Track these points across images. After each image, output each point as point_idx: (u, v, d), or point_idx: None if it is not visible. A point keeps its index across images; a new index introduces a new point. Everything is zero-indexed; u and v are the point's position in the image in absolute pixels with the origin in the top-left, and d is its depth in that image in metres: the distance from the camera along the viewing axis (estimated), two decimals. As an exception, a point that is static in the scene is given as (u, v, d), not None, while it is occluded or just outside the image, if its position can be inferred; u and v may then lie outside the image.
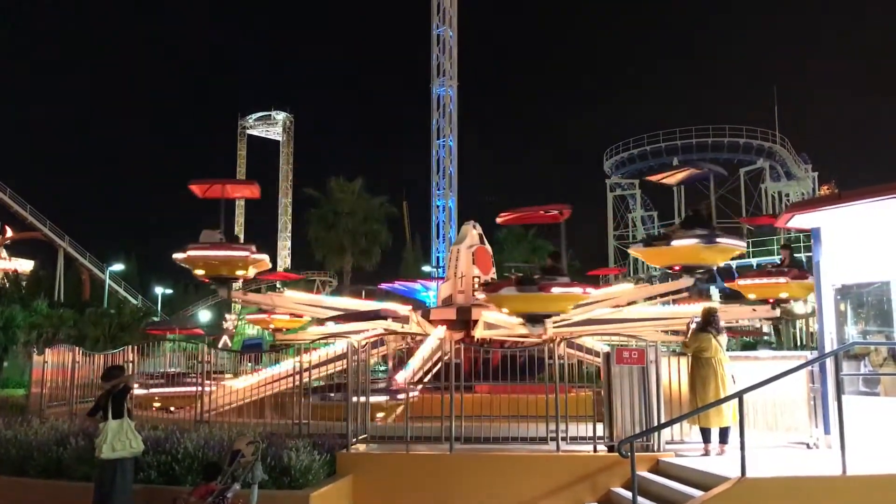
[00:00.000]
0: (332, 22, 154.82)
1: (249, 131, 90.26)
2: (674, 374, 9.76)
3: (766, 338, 29.56)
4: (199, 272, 13.45)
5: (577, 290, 12.51)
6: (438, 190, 48.07)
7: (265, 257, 13.66)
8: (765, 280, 14.50)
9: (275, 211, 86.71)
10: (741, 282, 14.96)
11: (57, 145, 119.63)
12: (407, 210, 48.83)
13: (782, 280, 13.99)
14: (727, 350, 9.71)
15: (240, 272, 13.44)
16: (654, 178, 17.97)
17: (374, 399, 10.77)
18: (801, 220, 9.91)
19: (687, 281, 13.38)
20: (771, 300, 14.60)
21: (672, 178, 15.52)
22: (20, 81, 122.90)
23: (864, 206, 8.70)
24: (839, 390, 7.75)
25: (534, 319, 12.78)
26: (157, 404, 13.46)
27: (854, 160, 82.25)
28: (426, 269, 47.95)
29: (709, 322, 9.61)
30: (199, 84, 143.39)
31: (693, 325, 10.00)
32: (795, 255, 15.96)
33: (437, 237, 48.01)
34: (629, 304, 15.69)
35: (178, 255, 13.14)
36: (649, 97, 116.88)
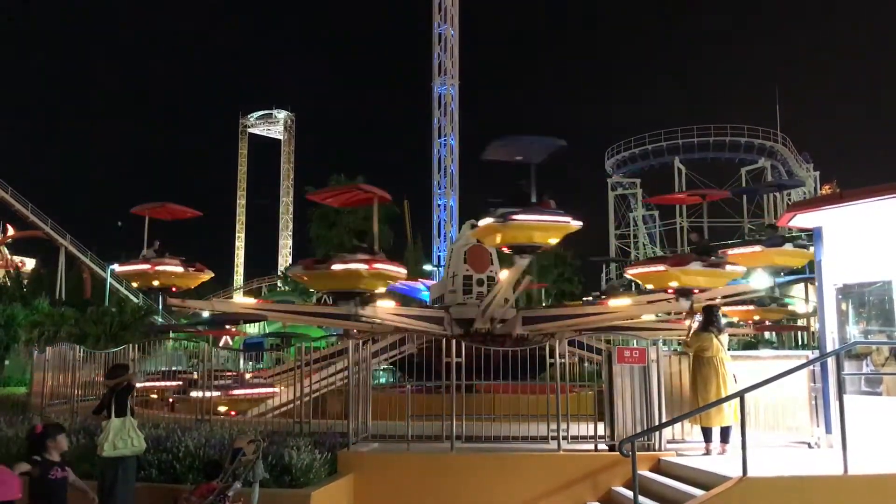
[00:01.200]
0: (333, 20, 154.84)
1: (251, 130, 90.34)
2: (675, 373, 9.76)
3: (767, 337, 29.56)
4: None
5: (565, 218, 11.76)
6: (440, 189, 48.04)
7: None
8: (647, 269, 13.59)
9: (276, 209, 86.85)
10: (630, 271, 14.26)
11: (58, 143, 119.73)
12: (408, 209, 48.73)
13: (661, 267, 13.08)
14: (728, 349, 9.71)
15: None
16: None
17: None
18: (802, 220, 9.90)
19: (683, 305, 13.21)
20: (670, 290, 13.57)
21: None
22: (20, 82, 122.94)
23: (866, 205, 8.70)
24: (841, 390, 7.74)
25: (521, 251, 12.30)
26: (223, 408, 13.04)
27: (855, 160, 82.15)
28: (427, 268, 47.91)
29: (710, 321, 9.62)
30: (200, 82, 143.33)
31: (694, 325, 10.00)
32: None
33: (439, 236, 47.99)
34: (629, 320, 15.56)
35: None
36: (651, 96, 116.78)
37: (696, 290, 13.03)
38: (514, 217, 11.40)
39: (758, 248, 14.96)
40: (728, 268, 12.93)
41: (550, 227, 11.64)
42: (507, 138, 12.55)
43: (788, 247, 14.61)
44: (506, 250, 12.73)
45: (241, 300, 18.60)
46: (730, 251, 14.63)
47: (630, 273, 14.17)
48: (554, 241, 11.98)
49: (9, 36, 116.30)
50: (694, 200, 15.39)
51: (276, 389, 13.83)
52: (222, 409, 12.97)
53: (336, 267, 12.81)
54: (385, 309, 14.48)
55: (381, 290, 14.25)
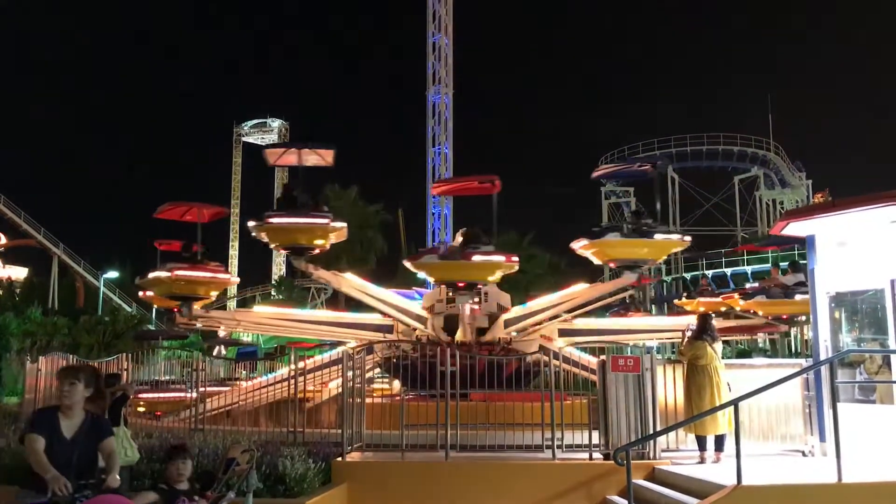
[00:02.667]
0: (327, 29, 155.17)
1: (245, 138, 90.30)
2: (669, 381, 9.76)
3: (760, 345, 29.64)
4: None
5: (499, 258, 12.91)
6: (434, 197, 48.09)
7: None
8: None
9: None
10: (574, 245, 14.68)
11: (52, 152, 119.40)
12: (402, 217, 48.81)
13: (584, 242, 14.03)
14: (722, 357, 9.72)
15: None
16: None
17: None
18: (795, 228, 9.95)
19: (629, 278, 13.63)
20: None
21: None
22: (17, 86, 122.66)
23: (858, 214, 8.74)
24: (834, 398, 7.76)
25: (459, 288, 13.36)
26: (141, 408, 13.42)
27: (848, 168, 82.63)
28: (422, 276, 47.96)
29: (704, 330, 9.63)
30: (194, 91, 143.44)
31: (689, 333, 10.02)
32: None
33: (433, 244, 48.01)
34: (585, 305, 15.77)
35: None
36: (645, 105, 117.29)
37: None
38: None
39: (584, 241, 14.24)
40: (658, 237, 13.74)
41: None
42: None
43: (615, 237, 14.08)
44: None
45: (265, 309, 18.47)
46: (574, 244, 14.57)
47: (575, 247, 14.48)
48: None
49: (5, 39, 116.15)
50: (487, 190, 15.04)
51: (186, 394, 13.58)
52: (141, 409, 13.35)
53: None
54: (354, 284, 15.02)
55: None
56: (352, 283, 15.49)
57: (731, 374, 9.55)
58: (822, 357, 9.06)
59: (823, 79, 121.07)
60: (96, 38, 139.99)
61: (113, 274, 54.43)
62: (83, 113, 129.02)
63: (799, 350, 27.39)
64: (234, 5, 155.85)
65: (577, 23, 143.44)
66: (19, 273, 49.62)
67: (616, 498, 8.63)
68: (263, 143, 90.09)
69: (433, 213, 48.23)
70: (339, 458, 9.39)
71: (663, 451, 9.36)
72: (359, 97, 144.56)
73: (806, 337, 20.81)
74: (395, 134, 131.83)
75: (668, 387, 9.72)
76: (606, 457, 9.08)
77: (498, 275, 13.61)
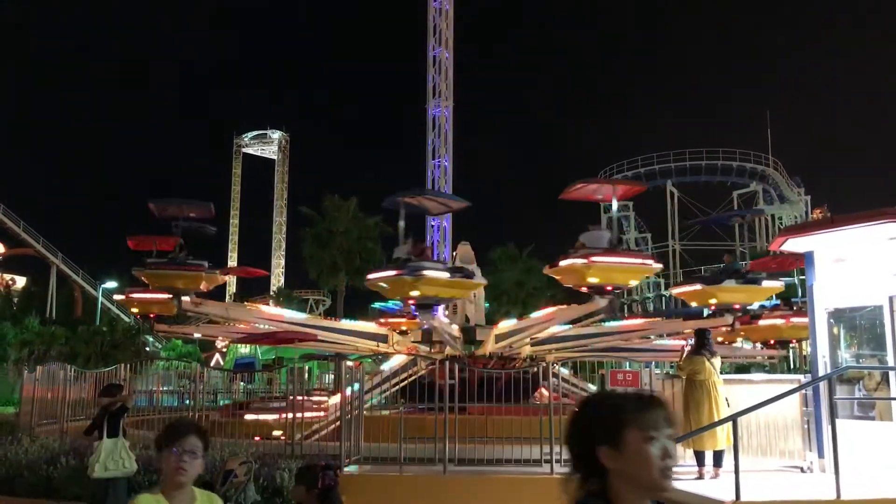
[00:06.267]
0: (328, 41, 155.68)
1: (245, 150, 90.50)
2: (667, 396, 9.74)
3: (759, 361, 29.55)
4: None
5: (443, 274, 13.10)
6: (433, 209, 48.10)
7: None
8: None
9: (269, 229, 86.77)
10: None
11: (51, 161, 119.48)
12: (402, 230, 48.89)
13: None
14: (721, 373, 9.72)
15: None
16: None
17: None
18: (794, 244, 9.97)
19: (599, 304, 13.77)
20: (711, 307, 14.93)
21: None
22: (17, 99, 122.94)
23: (857, 230, 8.77)
24: (833, 414, 7.76)
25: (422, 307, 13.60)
26: None
27: (847, 183, 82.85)
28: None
29: (702, 345, 9.63)
30: (195, 103, 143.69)
31: (687, 349, 10.02)
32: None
33: (432, 257, 48.02)
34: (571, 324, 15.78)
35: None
36: (644, 119, 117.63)
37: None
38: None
39: (698, 286, 15.04)
40: (765, 283, 14.19)
41: None
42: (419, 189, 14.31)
43: (731, 283, 14.26)
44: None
45: (261, 308, 18.20)
46: (674, 290, 15.18)
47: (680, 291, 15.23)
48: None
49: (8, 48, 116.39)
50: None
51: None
52: None
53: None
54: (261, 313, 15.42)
55: None
56: (256, 312, 15.92)
57: (730, 389, 9.55)
58: (821, 373, 9.05)
59: (823, 95, 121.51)
60: (94, 43, 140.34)
61: (111, 284, 54.36)
62: (83, 121, 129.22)
63: (798, 366, 27.35)
64: (236, 15, 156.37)
65: (576, 37, 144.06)
66: (17, 282, 49.55)
67: (614, 513, 8.59)
68: (263, 155, 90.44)
69: (432, 226, 48.23)
70: (337, 472, 9.34)
71: (662, 466, 9.32)
72: (359, 108, 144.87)
73: (805, 353, 20.80)
74: (396, 146, 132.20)
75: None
76: (605, 472, 9.04)
77: (459, 291, 13.90)
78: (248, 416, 12.40)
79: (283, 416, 11.86)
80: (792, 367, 29.05)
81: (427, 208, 16.27)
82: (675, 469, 1.92)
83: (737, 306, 14.14)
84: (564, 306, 15.82)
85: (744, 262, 15.46)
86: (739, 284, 13.88)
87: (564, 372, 15.41)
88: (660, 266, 14.62)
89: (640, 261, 13.99)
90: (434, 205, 15.71)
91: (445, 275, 13.28)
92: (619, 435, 1.88)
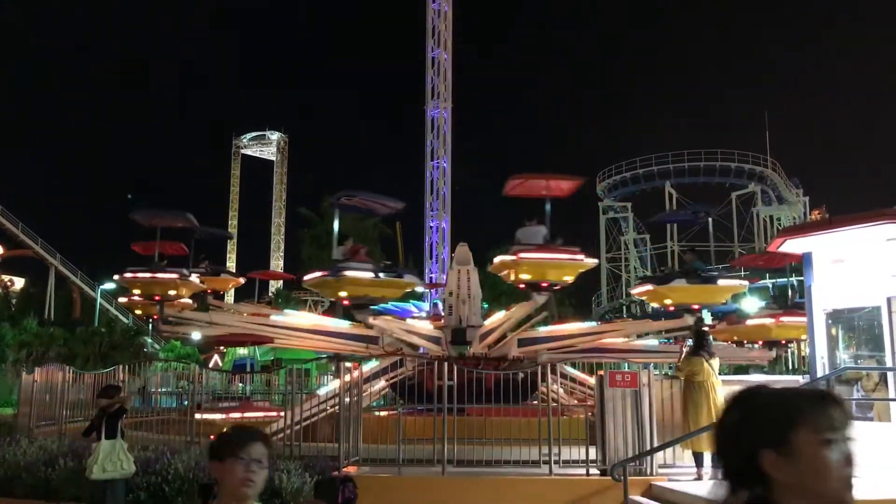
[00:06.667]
0: (328, 41, 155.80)
1: (244, 151, 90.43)
2: (666, 397, 9.76)
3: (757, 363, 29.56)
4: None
5: (366, 275, 13.17)
6: (432, 211, 48.11)
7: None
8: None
9: (268, 230, 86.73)
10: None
11: (50, 161, 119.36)
12: (400, 231, 48.81)
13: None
14: (719, 373, 9.72)
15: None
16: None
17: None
18: (792, 245, 9.99)
19: (538, 300, 14.03)
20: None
21: None
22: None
23: (855, 231, 8.78)
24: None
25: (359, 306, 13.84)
26: None
27: (845, 184, 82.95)
28: (419, 289, 47.88)
29: (701, 346, 9.64)
30: (195, 103, 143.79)
31: (685, 349, 10.03)
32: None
33: (430, 258, 47.96)
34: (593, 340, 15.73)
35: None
36: (644, 120, 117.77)
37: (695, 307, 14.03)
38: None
39: (649, 286, 14.99)
40: (721, 283, 13.96)
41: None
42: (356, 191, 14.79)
43: (681, 283, 13.92)
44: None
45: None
46: (632, 290, 15.33)
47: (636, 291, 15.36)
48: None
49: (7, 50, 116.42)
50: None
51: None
52: None
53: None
54: (389, 320, 14.90)
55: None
56: (390, 321, 15.47)
57: (729, 390, 9.54)
58: (819, 374, 9.07)
59: (822, 95, 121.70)
60: (94, 43, 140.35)
61: (110, 285, 54.36)
62: (83, 121, 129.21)
63: (796, 366, 27.38)
64: (236, 15, 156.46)
65: (575, 37, 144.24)
66: (16, 283, 49.51)
67: (613, 514, 8.60)
68: (262, 156, 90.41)
69: (431, 227, 48.22)
70: (336, 473, 9.34)
71: (660, 467, 9.34)
72: (357, 109, 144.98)
73: (803, 353, 20.80)
74: (394, 147, 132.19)
75: (666, 403, 9.72)
76: (603, 472, 9.06)
77: (390, 291, 14.06)
78: (197, 416, 12.59)
79: (280, 414, 11.88)
80: (790, 368, 29.09)
81: (372, 209, 16.81)
82: (674, 470, 1.83)
83: (695, 306, 13.84)
84: (514, 307, 15.70)
85: (710, 263, 15.49)
86: (691, 284, 13.58)
87: (572, 371, 15.39)
88: (594, 262, 14.32)
89: (569, 256, 13.72)
90: (376, 206, 15.81)
91: (369, 275, 13.32)
92: (788, 437, 1.53)
